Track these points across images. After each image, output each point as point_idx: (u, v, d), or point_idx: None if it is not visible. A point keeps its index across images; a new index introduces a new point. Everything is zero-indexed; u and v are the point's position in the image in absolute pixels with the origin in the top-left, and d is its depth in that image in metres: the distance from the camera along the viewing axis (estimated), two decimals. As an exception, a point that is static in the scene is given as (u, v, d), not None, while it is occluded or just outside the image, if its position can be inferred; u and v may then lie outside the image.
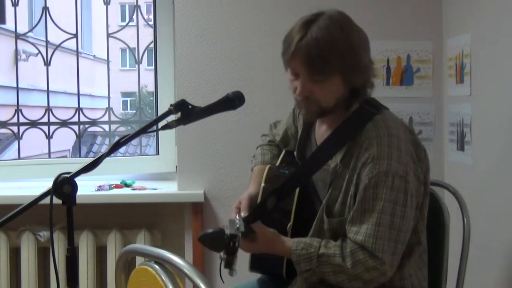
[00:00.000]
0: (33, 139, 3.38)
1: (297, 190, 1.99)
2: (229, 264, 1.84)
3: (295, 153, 2.14)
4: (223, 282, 2.09)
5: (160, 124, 1.77)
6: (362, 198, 1.84)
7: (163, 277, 1.55)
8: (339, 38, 1.84)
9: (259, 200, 2.03)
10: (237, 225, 1.83)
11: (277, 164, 2.16)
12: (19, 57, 3.75)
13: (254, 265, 2.06)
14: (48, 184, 1.60)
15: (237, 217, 1.88)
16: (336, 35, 1.83)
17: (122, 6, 13.46)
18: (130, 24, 3.52)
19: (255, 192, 2.08)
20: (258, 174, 2.17)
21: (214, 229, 1.82)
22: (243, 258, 1.93)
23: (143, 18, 3.39)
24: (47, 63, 3.30)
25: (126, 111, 13.81)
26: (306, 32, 1.84)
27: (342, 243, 1.86)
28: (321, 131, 2.02)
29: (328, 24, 1.84)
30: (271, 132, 2.33)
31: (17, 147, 3.39)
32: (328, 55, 1.82)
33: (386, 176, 1.82)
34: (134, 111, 3.59)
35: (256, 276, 2.19)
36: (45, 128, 3.31)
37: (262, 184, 2.05)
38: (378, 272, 1.83)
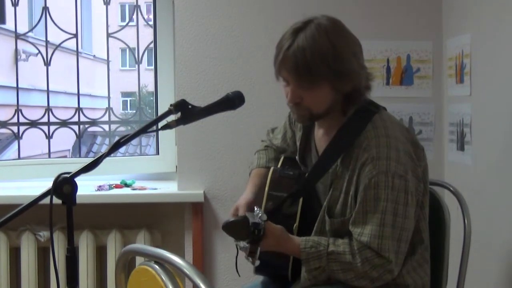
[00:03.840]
0: (33, 139, 3.38)
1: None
2: (252, 252, 1.81)
3: (296, 157, 2.15)
4: (239, 275, 2.09)
5: (160, 124, 1.78)
6: (363, 199, 1.86)
7: (163, 277, 1.55)
8: (324, 47, 1.86)
9: (263, 204, 2.03)
10: (259, 214, 1.82)
11: (279, 166, 2.17)
12: (19, 57, 3.75)
13: (259, 268, 2.06)
14: (48, 184, 1.61)
15: (255, 208, 1.87)
16: (322, 43, 1.86)
17: (122, 6, 13.46)
18: (130, 24, 3.51)
19: (251, 197, 2.11)
20: (254, 176, 2.21)
21: (238, 217, 1.82)
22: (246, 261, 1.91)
23: (143, 18, 3.39)
24: (47, 63, 3.30)
25: (126, 111, 13.80)
26: (293, 41, 1.88)
27: (350, 241, 1.88)
28: (319, 136, 2.05)
29: (314, 32, 1.87)
30: (268, 137, 2.36)
31: (17, 147, 3.39)
32: (313, 64, 1.85)
33: (386, 176, 1.84)
34: (134, 111, 3.59)
35: (259, 277, 2.19)
36: (45, 128, 3.31)
37: (266, 189, 2.06)
38: (384, 269, 1.85)
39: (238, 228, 1.81)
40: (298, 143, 2.15)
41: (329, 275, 1.90)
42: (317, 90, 1.89)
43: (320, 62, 1.85)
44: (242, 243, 1.85)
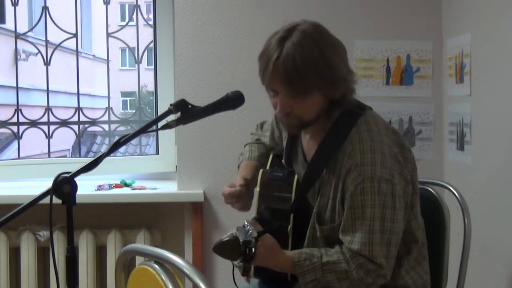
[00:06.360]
0: (33, 139, 3.38)
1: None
2: (246, 271, 1.81)
3: (283, 161, 2.14)
4: (237, 287, 2.09)
5: (160, 124, 1.77)
6: (350, 206, 1.84)
7: (163, 277, 1.55)
8: (315, 55, 1.81)
9: (256, 205, 2.02)
10: (250, 231, 1.79)
11: (268, 167, 2.16)
12: (19, 56, 3.75)
13: (258, 271, 2.05)
14: (48, 184, 1.61)
15: (245, 222, 1.85)
16: (311, 51, 1.81)
17: (122, 6, 13.46)
18: (130, 23, 3.52)
19: (245, 177, 2.11)
20: (245, 167, 2.19)
21: (228, 238, 1.78)
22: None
23: (143, 17, 3.39)
24: (47, 63, 3.30)
25: (126, 111, 13.80)
26: (281, 50, 1.81)
27: (341, 249, 1.87)
28: (306, 139, 2.03)
29: (301, 39, 1.82)
30: (258, 133, 2.35)
31: (17, 146, 3.39)
32: (305, 74, 1.80)
33: (372, 182, 1.82)
34: (134, 111, 3.59)
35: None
36: (45, 127, 3.31)
37: (257, 189, 2.05)
38: (377, 274, 1.84)
39: (229, 248, 1.77)
40: (284, 143, 2.13)
41: (324, 285, 1.88)
42: (309, 99, 1.86)
43: (312, 70, 1.80)
44: (236, 262, 1.84)
